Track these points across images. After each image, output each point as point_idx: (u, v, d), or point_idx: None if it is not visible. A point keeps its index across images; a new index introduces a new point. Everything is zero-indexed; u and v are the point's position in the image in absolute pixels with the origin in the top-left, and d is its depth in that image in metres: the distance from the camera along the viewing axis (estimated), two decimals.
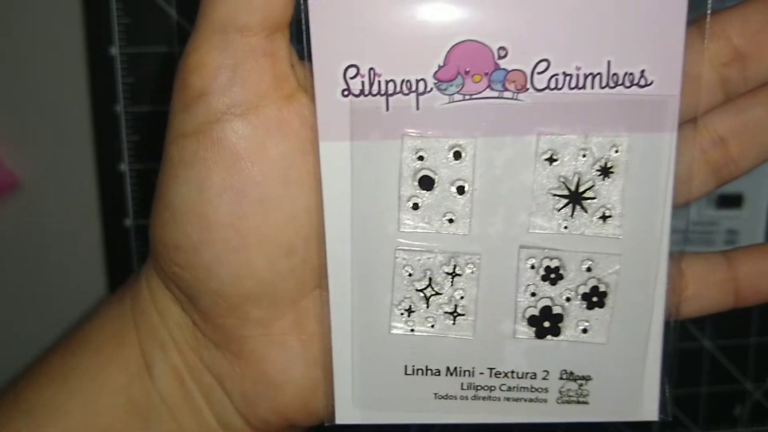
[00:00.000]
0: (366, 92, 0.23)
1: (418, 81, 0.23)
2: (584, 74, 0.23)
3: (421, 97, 0.23)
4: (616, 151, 0.23)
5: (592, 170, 0.24)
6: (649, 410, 0.26)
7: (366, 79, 0.23)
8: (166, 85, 0.25)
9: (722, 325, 0.51)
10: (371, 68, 0.23)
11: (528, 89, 0.23)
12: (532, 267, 0.25)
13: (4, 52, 0.46)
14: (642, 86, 0.23)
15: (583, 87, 0.23)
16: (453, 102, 0.23)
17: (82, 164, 0.46)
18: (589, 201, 0.24)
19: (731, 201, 0.49)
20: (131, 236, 0.45)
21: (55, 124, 0.47)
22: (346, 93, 0.23)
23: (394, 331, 0.25)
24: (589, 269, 0.25)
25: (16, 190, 0.48)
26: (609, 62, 0.23)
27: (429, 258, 0.25)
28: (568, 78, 0.23)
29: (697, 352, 0.52)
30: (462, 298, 0.25)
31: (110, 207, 0.46)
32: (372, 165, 0.24)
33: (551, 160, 0.24)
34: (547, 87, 0.23)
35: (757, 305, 0.47)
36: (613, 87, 0.23)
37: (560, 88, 0.23)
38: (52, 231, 0.48)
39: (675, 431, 0.52)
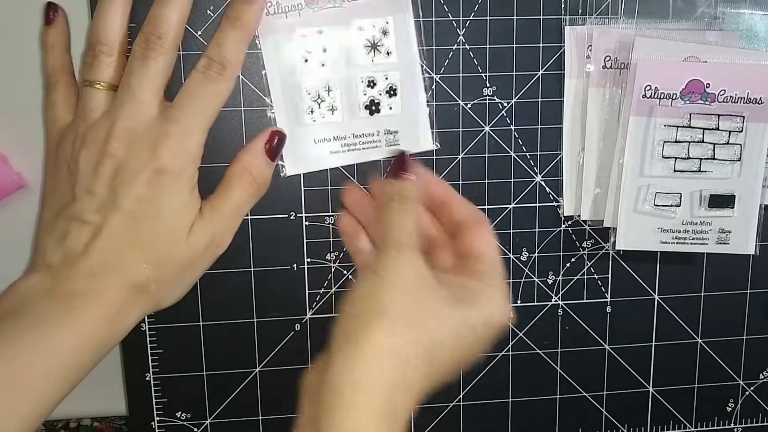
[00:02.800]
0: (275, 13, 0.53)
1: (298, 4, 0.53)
2: None
3: (301, 11, 0.53)
4: (385, 32, 0.55)
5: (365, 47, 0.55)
6: (426, 144, 0.57)
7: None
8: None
9: (716, 322, 0.53)
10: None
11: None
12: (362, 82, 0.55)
13: (9, 54, 0.46)
14: None
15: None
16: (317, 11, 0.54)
17: None
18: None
19: (724, 201, 0.49)
20: None
21: None
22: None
23: (307, 120, 0.55)
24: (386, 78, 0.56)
25: (23, 191, 0.48)
26: None
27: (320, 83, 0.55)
28: None
29: (692, 348, 0.52)
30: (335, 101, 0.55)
31: None
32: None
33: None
34: None
35: (754, 303, 0.53)
36: None
37: None
38: None
39: (670, 428, 0.53)
